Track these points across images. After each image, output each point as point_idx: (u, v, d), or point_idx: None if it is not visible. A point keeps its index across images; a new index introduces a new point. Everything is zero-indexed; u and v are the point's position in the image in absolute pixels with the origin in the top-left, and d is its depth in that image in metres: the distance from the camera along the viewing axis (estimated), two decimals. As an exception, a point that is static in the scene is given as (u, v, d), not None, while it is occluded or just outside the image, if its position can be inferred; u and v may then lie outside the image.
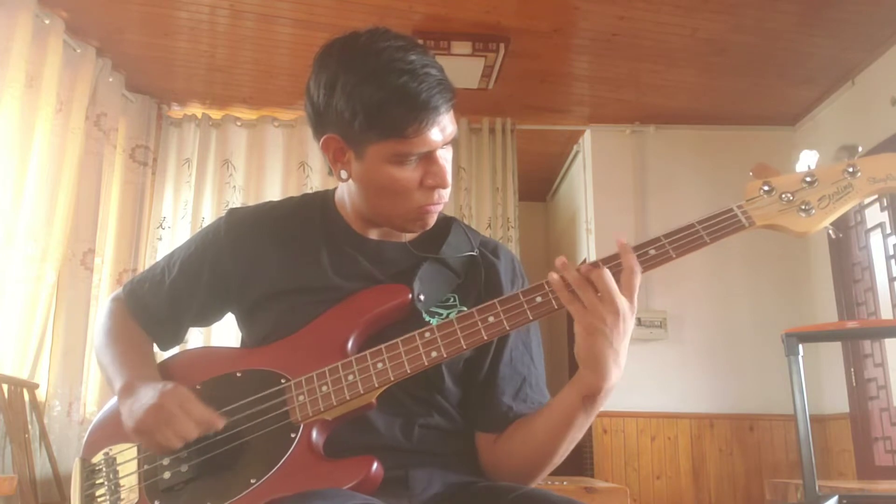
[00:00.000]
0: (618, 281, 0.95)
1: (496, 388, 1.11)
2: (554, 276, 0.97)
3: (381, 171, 1.03)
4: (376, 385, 0.99)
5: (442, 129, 1.02)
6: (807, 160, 1.00)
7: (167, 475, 1.02)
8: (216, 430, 1.00)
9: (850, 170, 0.98)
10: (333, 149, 1.06)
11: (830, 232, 1.00)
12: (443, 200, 1.08)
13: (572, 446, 1.06)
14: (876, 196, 3.68)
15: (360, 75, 0.99)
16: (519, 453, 1.08)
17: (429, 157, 1.03)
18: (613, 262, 0.98)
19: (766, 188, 1.00)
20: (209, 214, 4.36)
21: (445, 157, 1.06)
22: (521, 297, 0.99)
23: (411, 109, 0.98)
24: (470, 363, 1.11)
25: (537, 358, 1.17)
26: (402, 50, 1.00)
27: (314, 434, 1.00)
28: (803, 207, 0.98)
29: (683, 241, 0.98)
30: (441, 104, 1.00)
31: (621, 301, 0.94)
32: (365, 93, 0.98)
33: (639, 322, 4.19)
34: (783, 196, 0.99)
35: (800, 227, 0.98)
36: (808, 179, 0.99)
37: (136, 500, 1.03)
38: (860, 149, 1.00)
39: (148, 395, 1.02)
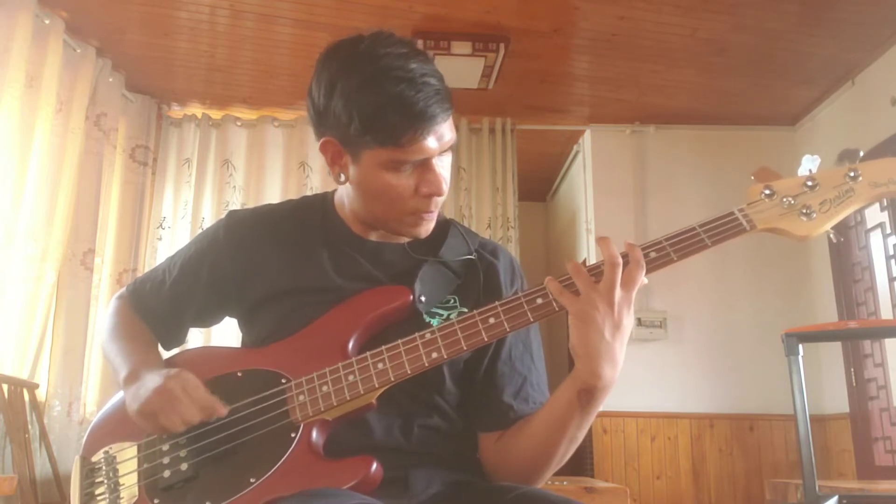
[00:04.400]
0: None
1: (495, 387, 1.11)
2: (550, 279, 0.99)
3: (377, 176, 1.03)
4: (376, 385, 0.99)
5: (438, 137, 1.02)
6: (808, 164, 1.00)
7: (167, 474, 1.02)
8: (218, 417, 1.01)
9: (852, 174, 0.98)
10: (331, 151, 1.07)
11: (832, 236, 1.00)
12: (437, 207, 1.08)
13: (573, 447, 1.05)
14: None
15: (359, 80, 0.99)
16: (520, 452, 1.08)
17: (424, 165, 1.03)
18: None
19: (767, 192, 1.00)
20: (209, 214, 4.36)
21: (443, 163, 1.06)
22: (522, 298, 0.99)
23: (407, 118, 0.98)
24: (469, 364, 1.11)
25: (538, 358, 1.17)
26: (402, 57, 1.00)
27: (314, 434, 1.00)
28: (804, 211, 0.98)
29: (684, 243, 0.98)
30: (438, 114, 1.00)
31: (617, 292, 0.94)
32: (362, 98, 0.99)
33: (639, 322, 4.19)
34: (784, 200, 0.99)
35: (801, 231, 0.98)
36: (809, 183, 0.99)
37: (135, 499, 1.03)
38: (861, 153, 1.00)
39: (153, 379, 1.03)
